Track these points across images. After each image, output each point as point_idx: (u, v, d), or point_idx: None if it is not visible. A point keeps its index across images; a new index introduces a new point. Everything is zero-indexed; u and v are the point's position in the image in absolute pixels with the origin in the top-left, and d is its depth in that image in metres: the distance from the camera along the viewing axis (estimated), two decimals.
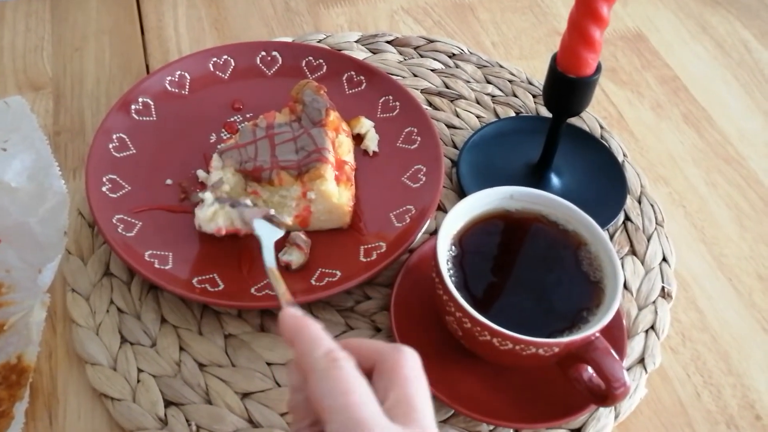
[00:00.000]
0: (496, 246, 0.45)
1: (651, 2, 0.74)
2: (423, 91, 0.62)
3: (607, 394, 0.39)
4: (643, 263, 0.52)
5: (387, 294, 0.48)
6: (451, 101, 0.61)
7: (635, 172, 0.57)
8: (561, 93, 0.47)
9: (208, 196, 0.46)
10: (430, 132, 0.54)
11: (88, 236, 0.51)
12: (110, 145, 0.52)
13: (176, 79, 0.57)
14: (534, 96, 0.62)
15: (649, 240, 0.53)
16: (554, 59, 0.47)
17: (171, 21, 0.68)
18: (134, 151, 0.53)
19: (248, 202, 0.46)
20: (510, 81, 0.63)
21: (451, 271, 0.42)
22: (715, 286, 0.52)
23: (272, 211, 0.44)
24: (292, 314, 0.32)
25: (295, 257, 0.47)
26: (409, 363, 0.31)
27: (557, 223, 0.45)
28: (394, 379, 0.30)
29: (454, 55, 0.65)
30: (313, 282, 0.46)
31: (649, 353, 0.47)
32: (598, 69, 0.46)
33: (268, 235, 0.41)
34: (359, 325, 0.47)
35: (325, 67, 0.59)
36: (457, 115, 0.60)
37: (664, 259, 0.52)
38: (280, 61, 0.59)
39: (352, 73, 0.58)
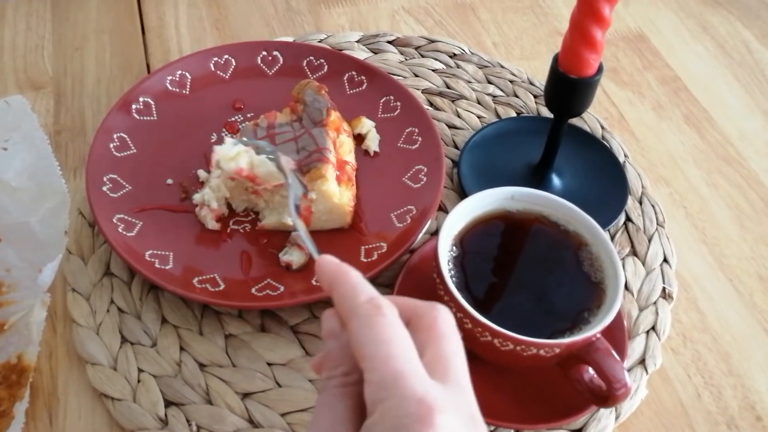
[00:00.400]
0: (497, 247, 0.44)
1: (652, 2, 0.74)
2: (424, 91, 0.62)
3: (608, 395, 0.39)
4: (644, 264, 0.52)
5: (388, 294, 0.48)
6: (452, 101, 0.61)
7: (636, 172, 0.57)
8: (562, 93, 0.47)
9: (230, 139, 0.47)
10: (431, 132, 0.54)
11: (88, 236, 0.51)
12: (111, 145, 0.52)
13: (177, 79, 0.57)
14: (535, 96, 0.62)
15: (650, 241, 0.53)
16: (556, 60, 0.47)
17: (172, 20, 0.68)
18: (135, 151, 0.53)
19: (272, 148, 0.46)
20: (511, 81, 0.63)
21: (452, 272, 0.42)
22: (716, 287, 0.52)
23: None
24: (332, 260, 0.31)
25: (295, 257, 0.47)
26: (446, 320, 0.30)
27: (558, 224, 0.45)
28: (431, 336, 0.29)
29: (455, 55, 0.65)
30: (314, 282, 0.46)
31: (650, 354, 0.47)
32: (600, 69, 0.46)
33: (295, 189, 0.41)
34: None
35: (326, 67, 0.59)
36: (458, 116, 0.60)
37: (665, 260, 0.52)
38: (281, 61, 0.59)
39: (353, 73, 0.58)
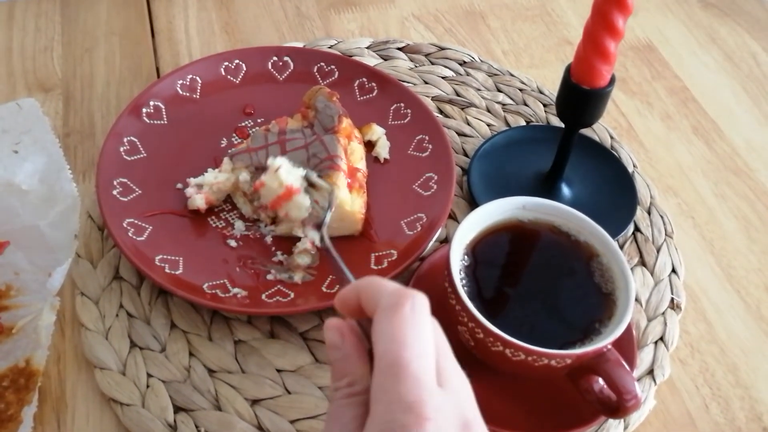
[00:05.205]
0: (509, 256, 0.45)
1: (661, 12, 0.74)
2: (434, 99, 0.62)
3: (618, 406, 0.39)
4: (652, 274, 0.52)
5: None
6: (462, 109, 0.61)
7: (645, 182, 0.57)
8: (575, 104, 0.47)
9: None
10: (441, 140, 0.54)
11: (97, 239, 0.51)
12: (121, 149, 0.52)
13: (187, 83, 0.57)
14: (544, 105, 0.62)
15: (658, 251, 0.53)
16: (568, 70, 0.47)
17: (182, 24, 0.68)
18: (145, 155, 0.53)
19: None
20: (521, 90, 0.63)
21: (464, 281, 0.42)
22: (724, 299, 0.52)
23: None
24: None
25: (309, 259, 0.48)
26: (426, 311, 0.29)
27: (569, 234, 0.45)
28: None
29: (464, 62, 0.65)
30: (324, 289, 0.46)
31: (659, 365, 0.47)
32: (612, 81, 0.46)
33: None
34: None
35: (336, 73, 0.59)
36: (468, 123, 0.60)
37: (674, 271, 0.52)
38: (292, 67, 0.59)
39: (364, 79, 0.58)
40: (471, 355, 0.43)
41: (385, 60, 0.65)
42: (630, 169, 0.58)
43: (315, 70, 0.59)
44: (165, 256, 0.47)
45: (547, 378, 0.43)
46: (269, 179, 0.45)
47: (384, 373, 0.27)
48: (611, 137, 0.60)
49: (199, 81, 0.57)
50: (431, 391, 0.27)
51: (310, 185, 0.45)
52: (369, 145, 0.55)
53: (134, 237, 0.48)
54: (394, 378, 0.26)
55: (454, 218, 0.54)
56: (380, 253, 0.49)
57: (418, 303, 0.28)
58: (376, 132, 0.55)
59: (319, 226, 0.43)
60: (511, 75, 0.64)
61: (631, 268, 0.52)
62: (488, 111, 0.61)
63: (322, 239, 0.42)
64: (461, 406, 0.28)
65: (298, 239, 0.49)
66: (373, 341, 0.28)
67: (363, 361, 0.30)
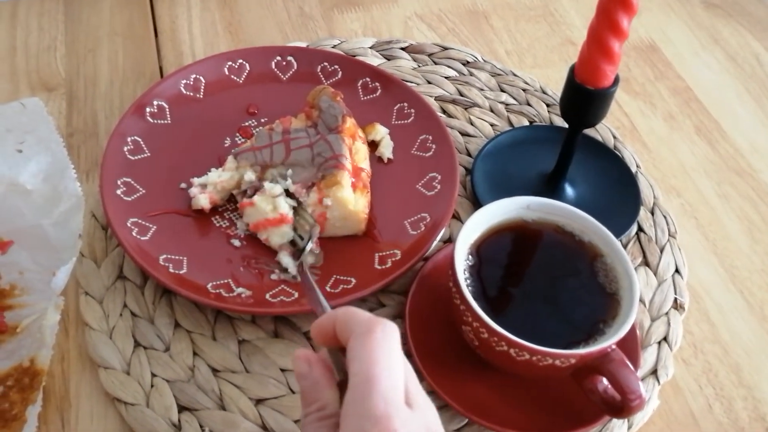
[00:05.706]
0: (513, 256, 0.45)
1: (664, 12, 0.74)
2: (437, 99, 0.62)
3: (622, 406, 0.39)
4: (655, 274, 0.52)
5: (401, 302, 0.48)
6: (465, 109, 0.61)
7: (648, 183, 0.57)
8: (579, 104, 0.47)
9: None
10: (445, 140, 0.54)
11: (101, 239, 0.51)
12: (125, 148, 0.52)
13: (191, 83, 0.57)
14: (548, 105, 0.62)
15: (661, 251, 0.53)
16: (572, 70, 0.47)
17: (185, 24, 0.68)
18: (149, 154, 0.53)
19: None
20: (524, 90, 0.63)
21: (468, 281, 0.42)
22: (727, 299, 0.52)
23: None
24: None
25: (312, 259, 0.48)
26: (395, 338, 0.31)
27: (573, 234, 0.45)
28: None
29: (468, 62, 0.65)
30: (328, 289, 0.46)
31: (662, 364, 0.47)
32: (616, 81, 0.46)
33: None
34: None
35: (340, 73, 0.59)
36: (471, 123, 0.60)
37: (677, 271, 0.52)
38: (296, 66, 0.59)
39: (368, 79, 0.58)
40: (474, 354, 0.43)
41: (389, 60, 0.65)
42: (633, 169, 0.58)
43: (318, 69, 0.59)
44: (169, 256, 0.47)
45: (551, 378, 0.43)
46: (262, 201, 0.46)
47: (356, 390, 0.29)
48: (614, 137, 0.60)
49: (203, 81, 0.57)
50: (399, 407, 0.28)
51: (295, 212, 0.48)
52: (372, 145, 0.55)
53: (138, 236, 0.48)
54: (364, 393, 0.28)
55: (458, 218, 0.54)
56: (384, 253, 0.49)
57: (389, 329, 0.30)
58: (380, 132, 0.55)
59: (297, 255, 0.45)
60: (515, 75, 0.64)
61: (635, 268, 0.52)
62: (491, 111, 0.61)
63: (300, 267, 0.44)
64: (428, 426, 0.30)
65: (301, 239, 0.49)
66: (347, 362, 0.30)
67: (331, 387, 0.32)
